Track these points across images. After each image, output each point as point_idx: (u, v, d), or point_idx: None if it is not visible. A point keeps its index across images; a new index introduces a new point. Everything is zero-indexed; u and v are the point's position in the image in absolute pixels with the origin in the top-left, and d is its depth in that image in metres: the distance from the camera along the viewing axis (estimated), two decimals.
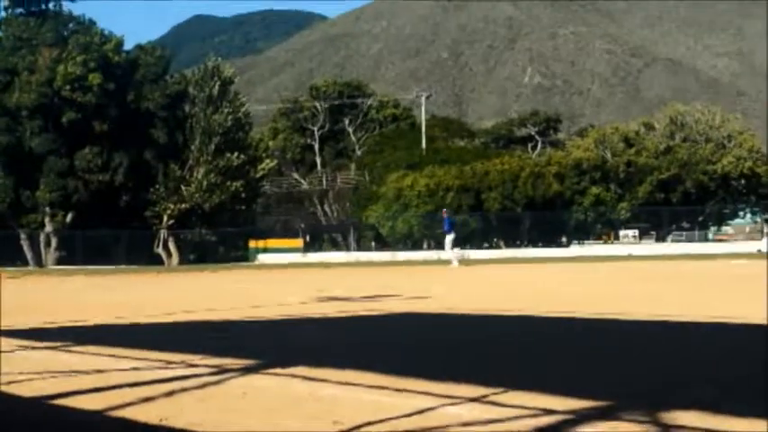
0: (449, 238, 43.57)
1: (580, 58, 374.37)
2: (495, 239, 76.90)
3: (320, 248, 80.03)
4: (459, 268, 39.49)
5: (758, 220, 78.05)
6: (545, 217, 71.82)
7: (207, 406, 5.75)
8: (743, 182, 77.95)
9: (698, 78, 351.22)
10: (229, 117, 72.13)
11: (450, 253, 43.83)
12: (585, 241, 74.66)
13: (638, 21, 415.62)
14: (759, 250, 55.17)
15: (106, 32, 73.74)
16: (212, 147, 71.20)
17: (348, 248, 77.48)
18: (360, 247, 76.76)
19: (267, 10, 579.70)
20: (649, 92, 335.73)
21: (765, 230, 73.97)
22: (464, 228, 70.32)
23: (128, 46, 75.89)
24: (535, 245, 70.97)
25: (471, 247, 67.26)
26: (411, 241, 74.30)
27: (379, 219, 75.39)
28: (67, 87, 67.12)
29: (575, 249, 67.52)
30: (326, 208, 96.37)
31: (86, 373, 7.27)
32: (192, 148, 71.69)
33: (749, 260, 39.76)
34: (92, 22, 75.52)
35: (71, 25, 75.13)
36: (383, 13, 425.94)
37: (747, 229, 76.43)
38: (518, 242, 73.98)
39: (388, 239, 76.22)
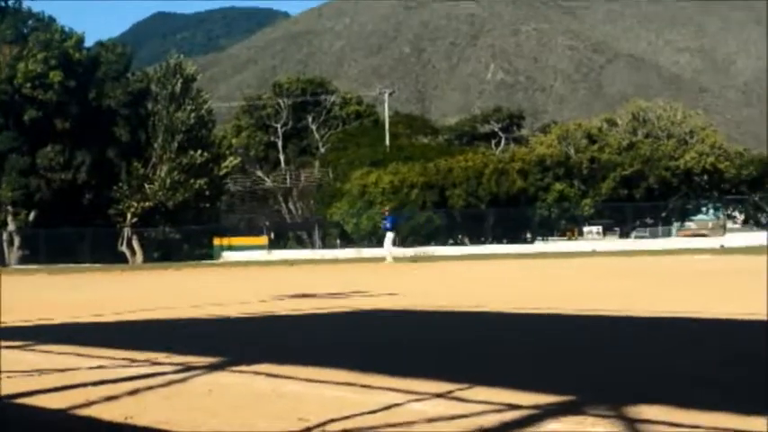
0: (389, 236, 44.79)
1: (542, 54, 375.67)
2: (459, 236, 77.03)
3: (285, 246, 79.88)
4: (393, 264, 40.41)
5: (720, 215, 78.52)
6: (509, 213, 72.04)
7: (172, 404, 5.72)
8: (705, 177, 78.52)
9: (660, 74, 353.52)
10: (192, 114, 71.87)
11: (386, 249, 45.17)
12: (549, 237, 74.94)
13: (599, 16, 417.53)
14: (722, 246, 55.58)
15: (66, 29, 73.26)
16: (175, 144, 70.93)
17: (313, 246, 77.45)
18: (325, 245, 76.74)
19: (229, 7, 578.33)
20: (612, 88, 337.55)
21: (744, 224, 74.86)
22: (428, 224, 70.57)
23: (88, 43, 75.48)
24: (499, 241, 71.05)
25: (436, 244, 67.50)
26: (376, 238, 74.26)
27: (343, 216, 75.38)
28: (28, 85, 66.66)
29: (539, 246, 67.68)
30: (291, 205, 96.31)
31: (50, 371, 7.22)
32: (155, 145, 71.37)
33: (713, 255, 40.23)
34: (52, 19, 74.96)
35: (31, 22, 74.54)
36: (346, 10, 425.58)
37: (710, 225, 76.87)
38: (482, 239, 74.09)
39: (352, 236, 76.20)
